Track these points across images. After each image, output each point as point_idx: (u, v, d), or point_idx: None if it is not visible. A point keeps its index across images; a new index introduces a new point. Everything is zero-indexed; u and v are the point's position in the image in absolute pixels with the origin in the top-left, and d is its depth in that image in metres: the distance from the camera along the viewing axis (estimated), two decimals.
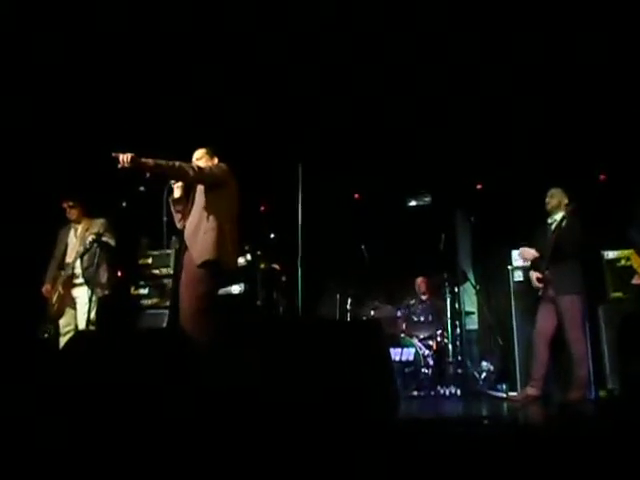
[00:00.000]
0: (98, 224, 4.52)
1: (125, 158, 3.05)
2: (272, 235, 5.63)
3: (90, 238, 4.26)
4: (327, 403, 2.18)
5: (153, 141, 5.49)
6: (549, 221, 4.55)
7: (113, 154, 3.05)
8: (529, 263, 4.68)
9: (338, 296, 6.07)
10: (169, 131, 5.50)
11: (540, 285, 4.40)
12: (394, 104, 5.53)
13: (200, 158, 3.67)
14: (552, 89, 5.19)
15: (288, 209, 4.36)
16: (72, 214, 4.60)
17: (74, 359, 2.45)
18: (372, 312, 5.91)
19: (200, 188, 3.49)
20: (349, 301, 5.93)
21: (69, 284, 4.47)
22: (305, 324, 3.31)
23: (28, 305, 4.96)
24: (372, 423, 2.20)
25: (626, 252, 4.54)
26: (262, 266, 5.37)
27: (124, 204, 4.40)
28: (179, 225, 3.65)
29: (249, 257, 5.07)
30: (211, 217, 3.41)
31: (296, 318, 3.45)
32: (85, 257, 4.37)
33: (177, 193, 3.57)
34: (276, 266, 5.46)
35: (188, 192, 3.61)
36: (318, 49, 4.89)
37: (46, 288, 4.51)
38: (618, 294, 4.67)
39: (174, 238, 4.86)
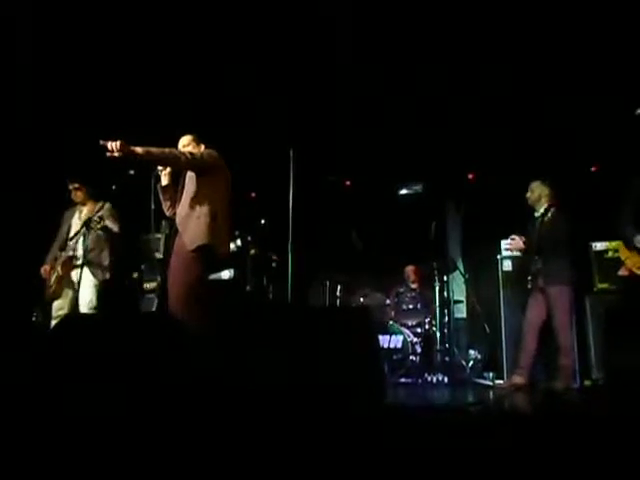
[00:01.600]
0: (104, 207, 4.46)
1: (114, 146, 2.99)
2: (262, 221, 5.62)
3: (96, 218, 4.17)
4: (315, 388, 2.19)
5: (144, 125, 5.48)
6: (535, 215, 4.59)
7: (101, 142, 2.98)
8: (517, 253, 4.74)
9: (328, 283, 6.09)
10: (158, 116, 5.45)
11: (510, 247, 4.57)
12: (388, 92, 5.50)
13: (187, 145, 3.60)
14: (544, 80, 5.19)
15: (279, 195, 4.34)
16: (77, 196, 4.53)
17: (60, 343, 2.44)
18: (362, 299, 5.94)
19: (191, 175, 3.44)
20: (339, 288, 5.95)
21: (69, 265, 4.38)
22: (295, 310, 3.31)
23: (24, 289, 4.96)
24: (359, 409, 2.22)
25: (614, 244, 4.58)
26: (252, 252, 5.36)
27: (113, 187, 4.34)
28: (168, 213, 3.62)
29: (239, 243, 5.05)
30: (204, 203, 3.35)
31: (286, 304, 3.45)
32: (88, 240, 4.29)
33: (165, 181, 3.54)
34: (274, 256, 5.46)
35: (176, 179, 3.58)
36: (312, 33, 4.85)
37: (45, 268, 4.42)
38: (604, 285, 4.72)
39: (164, 222, 4.83)
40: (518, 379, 4.35)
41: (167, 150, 3.23)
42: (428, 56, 5.14)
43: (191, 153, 3.39)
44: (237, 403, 2.12)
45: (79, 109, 5.33)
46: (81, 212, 4.55)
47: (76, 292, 4.28)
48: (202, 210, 3.34)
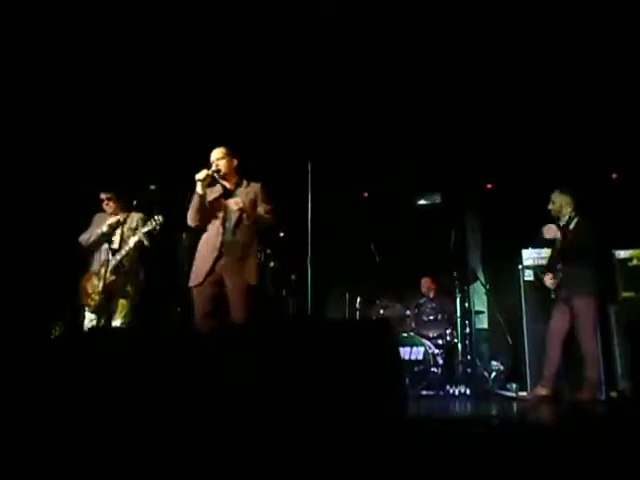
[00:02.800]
0: (136, 218, 4.43)
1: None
2: (281, 234, 5.64)
3: (128, 231, 4.24)
4: (337, 402, 2.18)
5: (164, 136, 5.57)
6: (559, 224, 4.54)
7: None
8: (540, 262, 4.70)
9: (347, 295, 6.08)
10: (177, 129, 5.53)
11: (553, 286, 4.41)
12: (406, 102, 5.51)
13: (221, 158, 3.69)
14: (564, 87, 5.16)
15: (297, 208, 4.36)
16: (109, 207, 4.49)
17: (79, 355, 2.47)
18: (381, 311, 5.91)
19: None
20: (358, 300, 5.94)
21: (120, 273, 4.29)
22: (315, 323, 3.32)
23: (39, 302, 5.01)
24: (381, 422, 2.20)
25: (638, 251, 4.50)
26: (272, 265, 5.38)
27: (134, 202, 4.39)
28: (192, 223, 3.69)
29: (259, 256, 5.07)
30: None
31: (306, 317, 3.47)
32: (127, 252, 4.28)
33: (201, 190, 3.61)
34: (293, 275, 5.49)
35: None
36: (328, 46, 4.89)
37: (87, 276, 4.36)
38: (629, 294, 4.65)
39: (185, 235, 4.87)
40: (542, 390, 4.29)
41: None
42: (446, 66, 5.14)
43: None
44: (255, 416, 2.12)
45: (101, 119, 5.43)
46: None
47: (111, 303, 4.28)
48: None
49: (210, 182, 3.67)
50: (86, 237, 4.44)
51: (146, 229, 4.20)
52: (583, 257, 4.28)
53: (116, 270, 4.26)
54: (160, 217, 4.16)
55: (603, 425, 2.82)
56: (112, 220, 4.39)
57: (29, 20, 4.51)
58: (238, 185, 3.75)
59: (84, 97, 5.23)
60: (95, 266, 4.39)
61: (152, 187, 4.17)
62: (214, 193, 3.72)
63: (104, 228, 4.36)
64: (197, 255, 3.66)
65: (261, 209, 3.69)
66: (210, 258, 3.54)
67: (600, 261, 4.44)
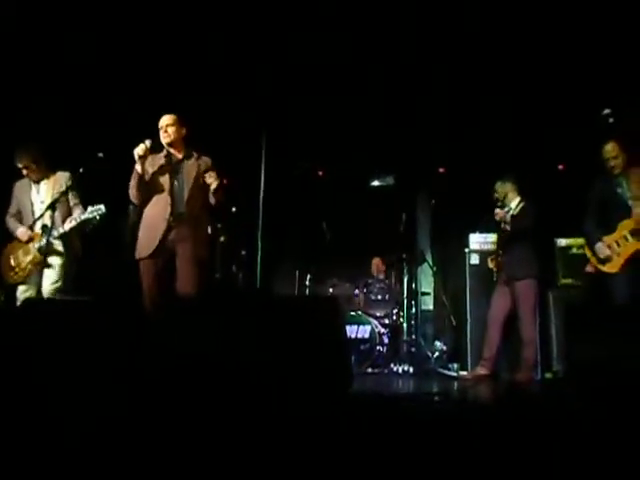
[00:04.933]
0: (63, 179, 4.10)
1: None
2: (233, 208, 5.58)
3: (56, 194, 3.92)
4: (281, 375, 2.19)
5: (107, 96, 5.34)
6: (505, 210, 4.65)
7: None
8: (486, 247, 4.83)
9: (297, 272, 6.08)
10: (125, 95, 5.33)
11: (494, 268, 4.54)
12: (364, 83, 5.49)
13: (171, 124, 3.57)
14: (518, 77, 5.25)
15: (250, 182, 4.30)
16: (32, 175, 4.11)
17: (21, 328, 2.38)
18: (330, 289, 5.95)
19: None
20: (308, 278, 5.95)
21: (49, 250, 3.95)
22: (262, 298, 3.30)
23: None
24: (325, 398, 2.22)
25: (579, 240, 4.68)
26: (222, 239, 5.32)
27: (81, 170, 4.18)
28: (136, 201, 3.61)
29: (209, 229, 5.00)
30: None
31: (254, 292, 3.46)
32: (57, 218, 3.95)
33: (140, 169, 3.49)
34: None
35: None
36: (289, 13, 4.79)
37: (23, 233, 4.04)
38: (567, 280, 4.84)
39: (132, 208, 4.73)
40: (481, 370, 4.43)
41: None
42: (402, 51, 5.14)
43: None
44: (196, 388, 2.10)
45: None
46: (38, 187, 4.14)
47: (41, 274, 3.95)
48: None
49: (152, 152, 3.54)
50: (13, 212, 4.16)
51: (85, 217, 3.92)
52: (523, 240, 4.40)
53: (43, 248, 3.94)
54: (102, 207, 3.90)
55: (536, 403, 2.94)
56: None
57: None
58: (187, 157, 3.63)
59: (27, 52, 4.95)
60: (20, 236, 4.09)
61: (100, 155, 4.00)
62: (158, 162, 3.58)
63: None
64: (143, 226, 3.54)
65: (211, 184, 3.58)
66: (160, 230, 3.44)
67: (541, 246, 4.59)
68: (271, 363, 2.22)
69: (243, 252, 5.55)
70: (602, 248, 3.91)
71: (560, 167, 6.20)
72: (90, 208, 3.95)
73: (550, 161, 6.09)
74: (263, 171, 3.82)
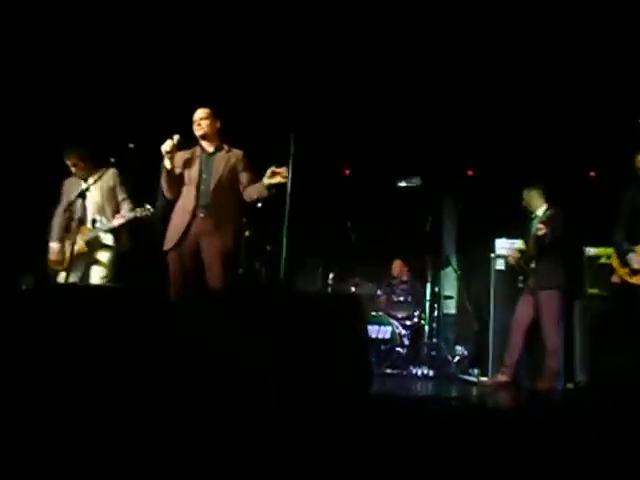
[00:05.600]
0: (111, 175, 4.22)
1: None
2: (259, 204, 5.59)
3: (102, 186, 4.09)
4: (301, 372, 2.20)
5: (139, 99, 5.43)
6: (532, 217, 4.59)
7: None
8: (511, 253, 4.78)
9: (320, 270, 6.10)
10: (157, 88, 5.40)
11: (513, 262, 4.56)
12: (393, 82, 5.47)
13: (205, 118, 3.59)
14: (548, 80, 5.18)
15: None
16: (79, 171, 4.20)
17: (47, 313, 2.43)
18: (353, 288, 5.95)
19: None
20: (331, 276, 5.96)
21: (96, 244, 4.11)
22: (284, 293, 3.32)
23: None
24: (344, 397, 2.23)
25: (608, 250, 4.59)
26: (247, 234, 5.35)
27: (112, 160, 4.25)
28: (168, 195, 3.63)
29: (237, 224, 5.03)
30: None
31: (276, 287, 3.47)
32: (107, 211, 4.13)
33: (168, 164, 3.49)
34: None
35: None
36: (314, 19, 4.80)
37: (52, 249, 4.18)
38: (594, 290, 4.75)
39: (159, 199, 4.78)
40: (502, 377, 4.39)
41: None
42: (431, 52, 5.10)
43: None
44: (217, 384, 2.12)
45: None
46: (86, 182, 4.22)
47: (89, 265, 4.11)
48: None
49: (184, 146, 3.56)
50: (62, 209, 4.24)
51: (133, 215, 4.02)
52: (553, 249, 4.34)
53: (91, 241, 4.10)
54: (150, 208, 3.98)
55: (556, 412, 2.90)
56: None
57: None
58: (218, 149, 3.65)
59: (56, 52, 5.05)
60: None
61: (131, 145, 4.07)
62: (190, 155, 3.61)
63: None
64: (171, 219, 3.58)
65: (243, 178, 3.60)
66: (184, 221, 3.46)
67: (569, 255, 4.52)
68: (291, 360, 2.23)
69: (268, 247, 5.57)
70: (636, 259, 3.83)
71: (591, 174, 6.09)
72: (139, 209, 4.02)
73: (581, 168, 5.98)
74: (290, 166, 3.81)
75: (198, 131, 3.61)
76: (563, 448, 1.55)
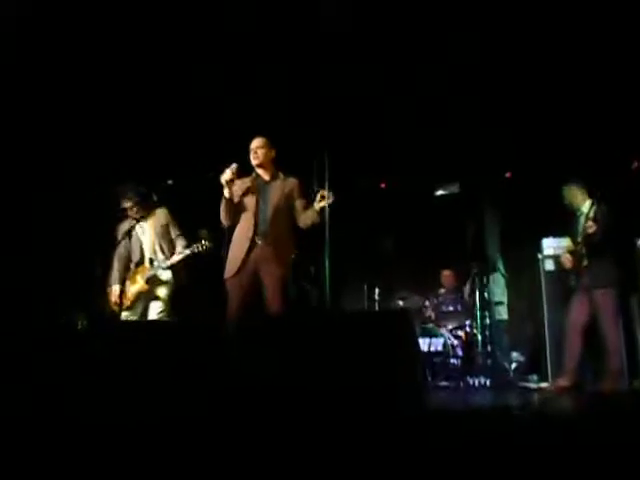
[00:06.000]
0: (162, 214, 4.39)
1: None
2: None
3: (160, 229, 4.30)
4: (356, 392, 2.19)
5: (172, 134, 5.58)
6: (577, 214, 4.47)
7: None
8: (560, 252, 4.64)
9: (365, 287, 6.07)
10: (187, 123, 5.54)
11: (569, 265, 4.38)
12: (425, 90, 5.46)
13: (261, 147, 3.71)
14: (583, 73, 5.07)
15: (314, 198, 4.35)
16: (136, 214, 4.32)
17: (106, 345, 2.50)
18: (400, 302, 5.90)
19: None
20: (377, 292, 5.93)
21: (155, 281, 4.27)
22: (335, 315, 3.32)
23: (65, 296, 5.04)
24: (401, 413, 2.20)
25: None
26: (292, 256, 5.37)
27: (155, 198, 4.38)
28: (226, 223, 3.70)
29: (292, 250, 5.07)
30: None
31: (326, 310, 3.49)
32: (165, 249, 4.29)
33: (227, 193, 3.59)
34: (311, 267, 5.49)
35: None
36: (342, 32, 4.86)
37: (114, 291, 4.28)
38: None
39: (204, 230, 4.86)
40: (563, 382, 4.25)
41: None
42: (461, 55, 5.08)
43: None
44: (275, 407, 2.13)
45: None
46: (142, 226, 4.36)
47: (148, 302, 4.26)
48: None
49: (240, 176, 3.65)
50: (120, 253, 4.38)
51: (190, 251, 4.12)
52: (604, 245, 4.21)
53: (151, 279, 4.25)
54: (207, 243, 4.07)
55: (626, 417, 2.79)
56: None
57: (29, 16, 4.51)
58: (274, 177, 3.76)
59: (91, 89, 5.23)
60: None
61: (169, 182, 4.17)
62: (247, 184, 3.71)
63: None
64: (231, 247, 3.65)
65: (298, 205, 3.71)
66: (243, 249, 3.54)
67: (622, 250, 4.37)
68: (345, 380, 2.23)
69: (312, 269, 5.59)
70: None
71: (635, 164, 5.89)
72: (195, 245, 4.12)
73: (622, 158, 5.80)
74: (327, 186, 3.84)
75: (254, 160, 3.72)
76: (631, 453, 1.49)
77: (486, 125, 5.81)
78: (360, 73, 5.26)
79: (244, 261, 3.52)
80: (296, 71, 5.29)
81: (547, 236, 5.00)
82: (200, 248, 4.08)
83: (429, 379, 4.95)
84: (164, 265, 4.22)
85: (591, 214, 4.31)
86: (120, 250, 4.40)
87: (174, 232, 4.39)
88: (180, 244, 4.31)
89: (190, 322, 3.34)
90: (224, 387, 2.26)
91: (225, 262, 3.65)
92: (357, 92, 5.43)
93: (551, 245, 4.96)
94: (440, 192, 7.06)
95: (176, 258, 4.19)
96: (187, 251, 4.15)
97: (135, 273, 4.31)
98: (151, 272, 4.24)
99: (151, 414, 2.09)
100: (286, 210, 3.66)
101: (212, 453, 1.69)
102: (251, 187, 3.69)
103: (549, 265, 4.94)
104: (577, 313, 4.30)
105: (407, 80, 5.37)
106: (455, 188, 6.97)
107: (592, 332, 4.24)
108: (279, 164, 3.87)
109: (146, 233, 4.36)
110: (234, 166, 3.55)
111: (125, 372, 2.31)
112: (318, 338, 2.39)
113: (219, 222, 3.76)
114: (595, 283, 4.20)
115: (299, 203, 3.71)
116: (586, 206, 4.41)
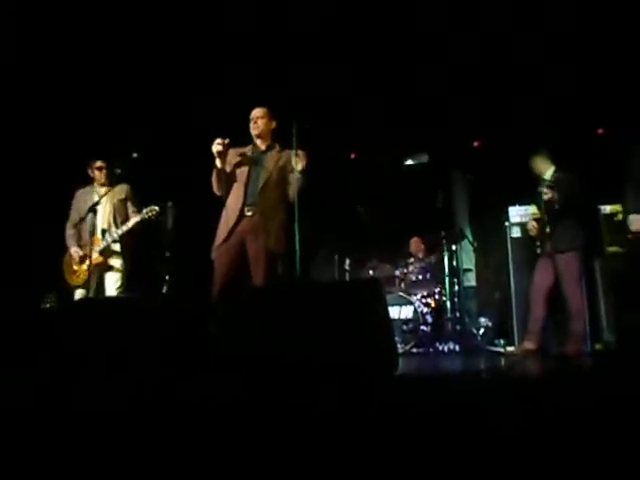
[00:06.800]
0: (123, 189, 4.39)
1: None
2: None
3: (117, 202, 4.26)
4: (328, 360, 2.21)
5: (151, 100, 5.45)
6: (542, 182, 4.55)
7: None
8: (527, 219, 4.73)
9: (336, 257, 6.10)
10: (155, 96, 5.42)
11: (534, 232, 4.47)
12: (392, 61, 5.43)
13: (262, 117, 3.63)
14: (550, 41, 5.10)
15: None
16: (102, 177, 4.38)
17: (78, 327, 2.47)
18: (371, 272, 5.95)
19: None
20: (347, 262, 5.96)
21: (108, 252, 4.28)
22: (306, 285, 3.34)
23: (25, 273, 4.96)
24: (372, 380, 2.24)
25: (621, 206, 4.54)
26: None
27: (118, 171, 4.30)
28: (219, 193, 3.64)
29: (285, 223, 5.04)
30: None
31: (296, 280, 3.48)
32: (119, 223, 4.27)
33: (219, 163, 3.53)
34: None
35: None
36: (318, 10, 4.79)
37: (77, 252, 4.27)
38: (614, 248, 4.70)
39: (170, 204, 4.80)
40: (529, 345, 4.36)
41: None
42: (435, 23, 5.05)
43: None
44: (245, 375, 2.15)
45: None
46: (99, 194, 4.33)
47: (101, 277, 4.25)
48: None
49: (235, 145, 3.59)
50: (74, 220, 4.36)
51: (140, 218, 4.16)
52: (566, 211, 4.28)
53: (105, 251, 4.25)
54: (156, 207, 4.14)
55: (588, 378, 2.89)
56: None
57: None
58: (270, 148, 3.66)
59: (57, 61, 5.07)
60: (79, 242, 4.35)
61: (135, 155, 4.10)
62: (241, 153, 3.63)
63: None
64: (222, 216, 3.57)
65: (291, 178, 3.56)
66: (232, 218, 3.47)
67: (584, 215, 4.46)
68: (316, 348, 2.25)
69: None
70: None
71: (599, 131, 6.00)
72: (144, 210, 4.17)
73: (588, 126, 5.89)
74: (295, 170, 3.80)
75: (254, 130, 3.64)
76: (594, 413, 1.55)
77: (454, 95, 5.81)
78: (328, 42, 5.19)
79: (231, 231, 3.44)
80: (269, 42, 5.19)
81: (514, 204, 5.07)
82: (149, 213, 4.13)
83: (400, 346, 5.04)
84: (116, 235, 4.23)
85: (551, 181, 4.39)
86: (73, 216, 4.39)
87: (131, 208, 4.39)
88: (133, 218, 4.29)
89: (165, 299, 3.33)
90: (205, 357, 2.26)
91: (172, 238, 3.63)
92: (329, 62, 5.37)
93: (518, 213, 5.04)
94: (409, 162, 7.08)
95: (129, 224, 4.21)
96: (137, 217, 4.18)
97: (88, 245, 4.23)
98: (104, 244, 4.24)
99: (135, 389, 2.09)
100: (279, 182, 3.55)
101: (196, 426, 1.69)
102: (246, 157, 3.61)
103: (516, 232, 5.03)
104: (541, 277, 4.39)
105: (377, 52, 5.33)
106: (424, 158, 7.00)
107: (557, 296, 4.35)
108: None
109: (103, 204, 4.32)
110: (226, 140, 3.46)
111: (109, 350, 2.29)
112: (292, 309, 2.41)
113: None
114: (557, 248, 4.29)
115: (292, 176, 3.56)
116: (549, 174, 4.48)
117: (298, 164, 3.42)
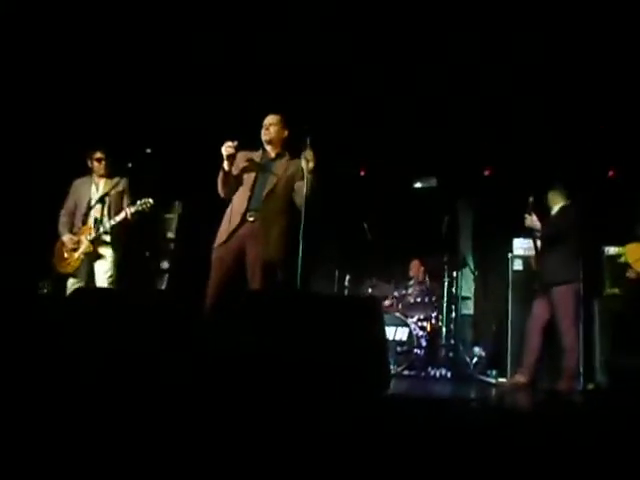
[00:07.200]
0: (122, 182, 4.41)
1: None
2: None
3: (113, 193, 4.27)
4: (320, 374, 2.22)
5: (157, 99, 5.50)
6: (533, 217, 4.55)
7: None
8: (530, 252, 4.73)
9: (337, 272, 6.11)
10: (171, 96, 5.47)
11: (535, 266, 4.47)
12: (408, 82, 5.47)
13: (275, 124, 3.62)
14: (566, 80, 5.14)
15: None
16: (99, 168, 4.40)
17: (72, 317, 2.49)
18: (370, 290, 5.96)
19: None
20: (347, 278, 5.97)
21: (99, 242, 4.29)
22: (304, 298, 3.34)
23: (23, 260, 4.98)
24: (362, 397, 2.24)
25: (625, 249, 4.55)
26: None
27: (129, 165, 4.33)
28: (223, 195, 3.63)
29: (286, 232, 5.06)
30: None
31: (295, 291, 3.48)
32: (113, 215, 4.28)
33: (227, 166, 3.50)
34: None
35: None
36: (331, 19, 4.83)
37: (70, 239, 4.28)
38: (614, 290, 4.70)
39: (177, 203, 4.84)
40: (521, 378, 4.34)
41: None
42: (445, 52, 5.10)
43: None
44: (238, 387, 2.15)
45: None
46: (97, 185, 4.40)
47: (91, 265, 4.26)
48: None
49: (246, 149, 3.59)
50: (69, 208, 4.40)
51: (134, 209, 4.17)
52: (561, 243, 4.25)
53: (95, 240, 4.26)
54: (150, 200, 4.15)
55: (576, 414, 2.89)
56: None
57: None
58: (280, 156, 3.64)
59: (78, 53, 5.13)
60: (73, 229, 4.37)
61: (148, 150, 4.14)
62: (251, 157, 3.62)
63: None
64: (224, 218, 3.56)
65: (298, 187, 3.53)
66: (234, 222, 3.46)
67: (582, 250, 4.42)
68: (309, 361, 2.26)
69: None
70: None
71: (610, 173, 6.03)
72: (138, 201, 4.18)
73: (600, 167, 5.92)
74: (306, 172, 3.83)
75: (265, 136, 3.62)
76: (580, 450, 1.55)
77: (468, 123, 5.86)
78: (343, 60, 5.24)
79: (231, 235, 3.43)
80: (280, 58, 5.25)
81: (518, 236, 5.08)
82: (143, 205, 4.14)
83: (393, 367, 5.03)
84: (108, 225, 4.24)
85: (555, 214, 4.39)
86: (69, 204, 4.41)
87: (126, 201, 4.40)
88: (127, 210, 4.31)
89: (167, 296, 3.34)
90: (199, 358, 2.27)
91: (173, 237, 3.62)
92: (343, 82, 5.42)
93: (521, 245, 5.06)
94: (418, 185, 7.12)
95: (122, 215, 4.22)
96: (130, 209, 4.19)
97: (79, 234, 4.29)
98: (94, 233, 4.25)
99: (129, 384, 2.09)
100: (285, 191, 3.53)
101: (189, 422, 1.70)
102: (254, 162, 3.60)
103: (517, 265, 5.04)
104: (539, 311, 4.37)
105: (394, 70, 5.38)
106: (433, 182, 7.04)
107: (553, 332, 4.34)
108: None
109: (100, 192, 4.36)
110: (235, 142, 3.44)
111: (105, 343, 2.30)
112: (289, 317, 2.42)
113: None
114: (549, 280, 4.27)
115: (298, 185, 3.52)
116: (557, 208, 4.48)
117: (308, 164, 3.39)
